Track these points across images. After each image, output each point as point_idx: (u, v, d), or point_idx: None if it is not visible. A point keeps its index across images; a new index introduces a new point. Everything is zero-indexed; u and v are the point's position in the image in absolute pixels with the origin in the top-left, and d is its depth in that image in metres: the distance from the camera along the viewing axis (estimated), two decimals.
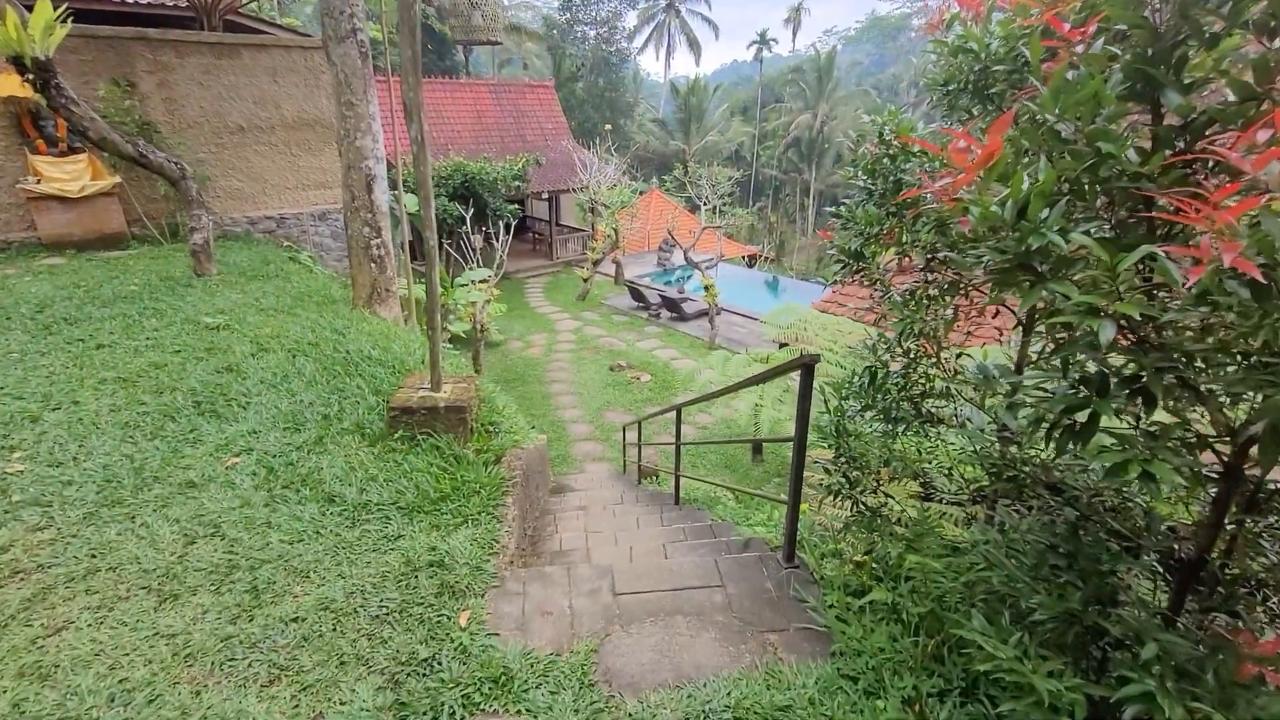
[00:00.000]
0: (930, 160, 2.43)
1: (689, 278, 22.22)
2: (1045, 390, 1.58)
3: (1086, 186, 1.45)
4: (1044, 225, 1.32)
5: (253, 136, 9.08)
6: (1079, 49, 1.47)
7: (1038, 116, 1.44)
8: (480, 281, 13.01)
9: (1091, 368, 1.47)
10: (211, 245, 6.77)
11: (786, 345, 5.99)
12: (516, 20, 38.48)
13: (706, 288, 15.19)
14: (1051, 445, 1.55)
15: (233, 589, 2.48)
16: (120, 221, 8.08)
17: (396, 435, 3.60)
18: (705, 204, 15.53)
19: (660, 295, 17.58)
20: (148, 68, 8.17)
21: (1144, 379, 1.34)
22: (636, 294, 17.85)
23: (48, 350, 4.52)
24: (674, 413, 5.45)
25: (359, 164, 5.88)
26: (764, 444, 11.00)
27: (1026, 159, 1.49)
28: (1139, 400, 1.39)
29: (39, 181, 7.53)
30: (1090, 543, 1.80)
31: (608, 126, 24.12)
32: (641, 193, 25.26)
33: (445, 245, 13.24)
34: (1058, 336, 1.73)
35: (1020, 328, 2.73)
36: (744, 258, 26.09)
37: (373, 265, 6.13)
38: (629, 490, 7.28)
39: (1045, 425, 1.57)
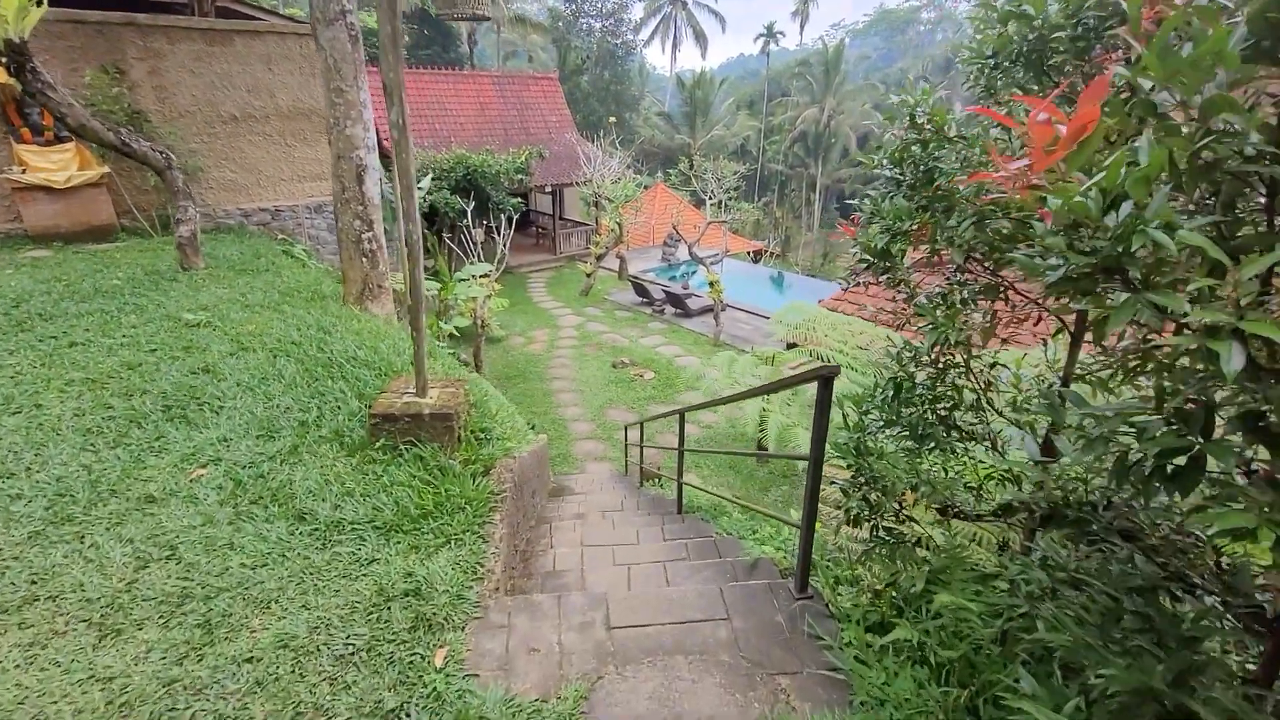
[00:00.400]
0: (969, 145, 2.13)
1: (693, 273, 21.91)
2: (1106, 419, 1.30)
3: (1187, 172, 1.16)
4: (1145, 220, 1.04)
5: (246, 126, 8.80)
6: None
7: (1133, 84, 1.15)
8: (481, 276, 12.74)
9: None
10: (198, 238, 6.51)
11: (795, 345, 5.69)
12: (521, 12, 38.04)
13: (711, 284, 14.89)
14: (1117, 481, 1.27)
15: (183, 622, 2.22)
16: (109, 213, 7.83)
17: (378, 444, 3.34)
18: (710, 198, 15.20)
19: (664, 291, 17.28)
20: (138, 54, 7.90)
21: (1269, 418, 1.06)
22: (640, 289, 17.56)
23: (17, 348, 4.27)
24: (677, 414, 5.19)
25: (349, 154, 5.60)
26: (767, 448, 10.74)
27: (1114, 139, 1.20)
28: (1256, 444, 1.11)
29: (24, 171, 7.27)
30: (1160, 592, 1.52)
31: (612, 119, 23.76)
32: (646, 187, 24.92)
33: (446, 239, 12.98)
34: (1130, 359, 1.44)
35: (1064, 334, 2.43)
36: (749, 253, 25.73)
37: (364, 260, 5.86)
38: (630, 494, 7.02)
39: (1124, 463, 1.30)
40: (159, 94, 8.13)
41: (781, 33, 48.65)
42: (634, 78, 41.31)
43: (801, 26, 51.52)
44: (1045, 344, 2.72)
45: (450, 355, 6.28)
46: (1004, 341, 2.96)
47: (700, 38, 45.59)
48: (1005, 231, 2.01)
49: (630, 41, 39.69)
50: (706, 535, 4.19)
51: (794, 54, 60.67)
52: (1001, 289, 2.22)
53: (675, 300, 16.84)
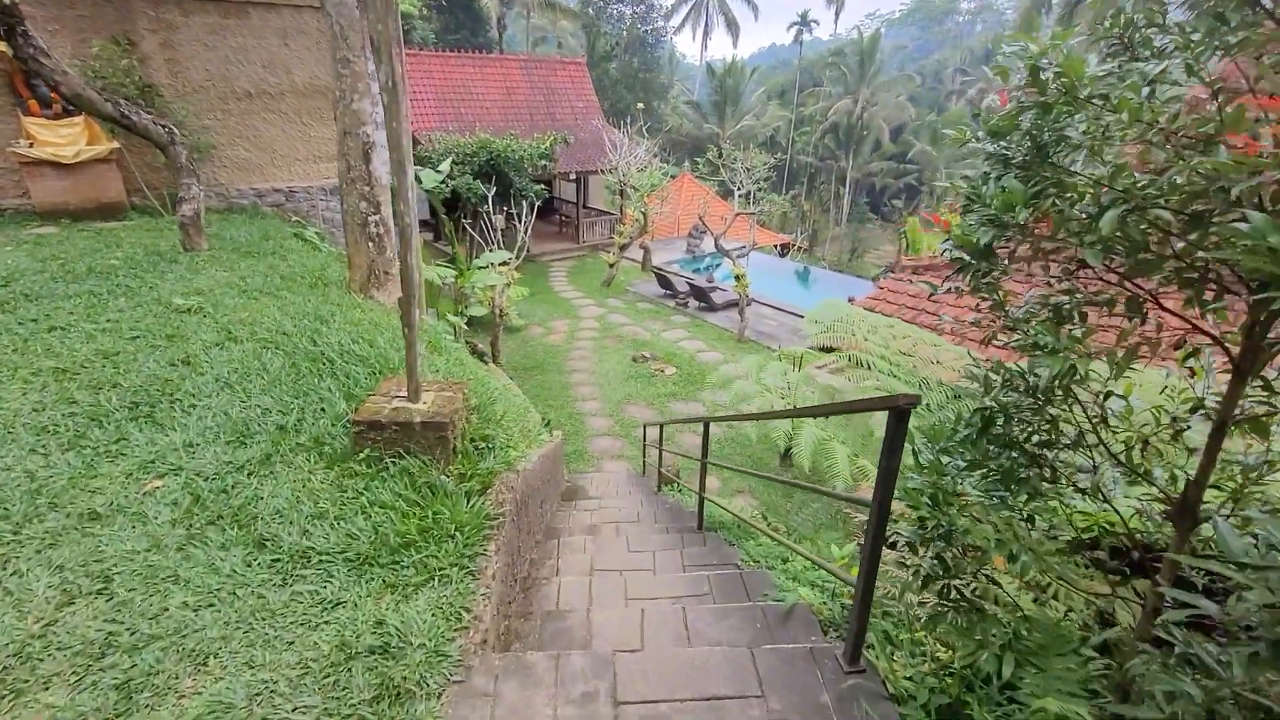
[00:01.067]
0: (1113, 108, 1.59)
1: (717, 266, 21.29)
2: None
3: None
4: None
5: (261, 103, 8.46)
6: None
7: None
8: (500, 264, 12.34)
9: None
10: (202, 217, 6.18)
11: (833, 350, 5.16)
12: None
13: (737, 277, 14.30)
14: None
15: (98, 682, 1.82)
16: (119, 190, 7.55)
17: (362, 455, 2.91)
18: (739, 189, 14.58)
19: (688, 284, 16.74)
20: (149, 25, 7.58)
21: None
22: (664, 281, 17.03)
23: None
24: (698, 416, 4.72)
25: (356, 130, 5.18)
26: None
27: None
28: None
29: (31, 145, 7.01)
30: None
31: (640, 105, 23.14)
32: (673, 176, 24.30)
33: (465, 225, 12.59)
34: None
35: (1215, 360, 1.89)
36: (776, 247, 25.00)
37: (370, 245, 5.46)
38: (647, 500, 6.57)
39: None
40: (171, 67, 7.81)
41: (816, 21, 47.32)
42: (663, 65, 40.50)
43: (836, 15, 50.05)
44: (1175, 367, 2.18)
45: (459, 349, 5.86)
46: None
47: (732, 25, 44.51)
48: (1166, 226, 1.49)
49: (661, 28, 38.87)
50: (730, 563, 3.71)
51: (827, 44, 59.13)
52: (1144, 301, 1.69)
53: (699, 293, 16.30)
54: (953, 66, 54.63)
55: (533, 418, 8.53)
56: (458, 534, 2.62)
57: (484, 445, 3.45)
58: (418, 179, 9.50)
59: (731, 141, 36.53)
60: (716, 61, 45.11)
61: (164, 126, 5.84)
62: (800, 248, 23.96)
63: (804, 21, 46.91)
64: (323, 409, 3.24)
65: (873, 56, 40.67)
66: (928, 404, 4.99)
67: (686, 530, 4.67)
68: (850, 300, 14.96)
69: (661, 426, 6.98)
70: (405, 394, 3.09)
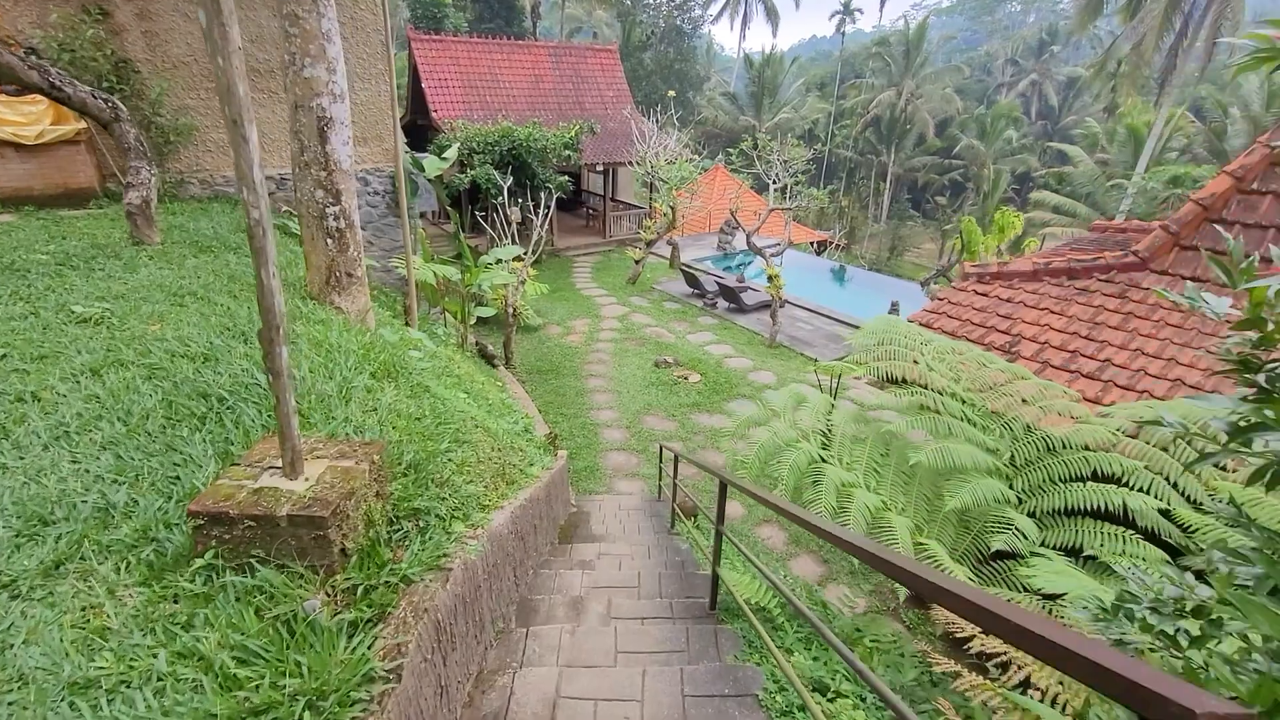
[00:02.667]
0: None
1: (748, 264, 20.04)
2: None
3: None
4: None
5: (250, 81, 7.60)
6: None
7: None
8: (514, 260, 11.40)
9: None
10: (154, 206, 5.34)
11: (907, 385, 3.97)
12: None
13: (771, 278, 13.10)
14: None
15: None
16: (89, 175, 6.81)
17: (203, 559, 1.95)
18: (775, 183, 13.35)
19: (717, 283, 15.57)
20: None
21: None
22: (692, 280, 15.91)
23: None
24: (715, 467, 3.67)
25: (308, 102, 4.24)
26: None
27: None
28: None
29: None
30: None
31: (671, 92, 21.93)
32: (705, 169, 23.06)
33: (480, 218, 11.68)
34: None
35: None
36: (812, 244, 23.57)
37: (329, 241, 4.52)
38: (656, 547, 5.54)
39: None
40: (149, 41, 7.02)
41: (860, 10, 45.13)
42: (699, 56, 39.05)
43: (881, 5, 47.73)
44: None
45: (433, 365, 4.89)
46: None
47: (772, 14, 42.73)
48: None
49: (698, 18, 37.41)
50: (748, 694, 2.66)
51: (870, 35, 56.66)
52: None
53: (729, 294, 15.13)
54: (1003, 58, 51.68)
55: (536, 436, 7.59)
56: (322, 702, 1.64)
57: (411, 526, 2.45)
58: (420, 166, 8.59)
59: (768, 134, 34.98)
60: (755, 53, 43.41)
61: (105, 100, 5.00)
62: (838, 245, 22.48)
63: (847, 10, 44.81)
64: (174, 479, 2.28)
65: (919, 47, 38.51)
66: (1015, 457, 3.84)
67: (695, 618, 3.62)
68: (892, 306, 13.60)
69: (677, 458, 5.93)
70: (280, 465, 2.11)
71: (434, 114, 17.50)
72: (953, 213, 40.57)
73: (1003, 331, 5.83)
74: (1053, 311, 5.91)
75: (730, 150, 13.72)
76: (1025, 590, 3.06)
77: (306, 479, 2.10)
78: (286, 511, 1.94)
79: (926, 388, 4.09)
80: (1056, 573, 2.69)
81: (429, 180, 8.71)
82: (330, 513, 1.96)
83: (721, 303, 15.54)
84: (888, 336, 4.37)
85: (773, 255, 13.41)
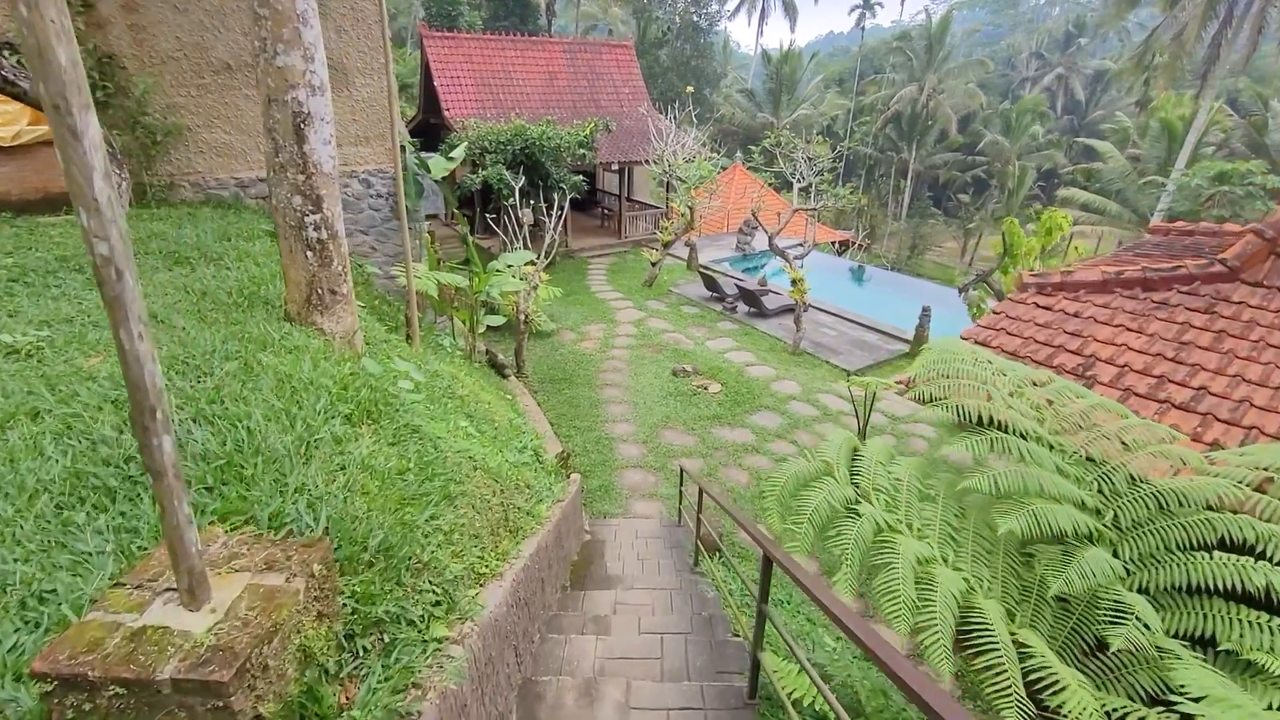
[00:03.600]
0: None
1: (765, 265, 19.29)
2: None
3: None
4: None
5: (243, 77, 7.11)
6: None
7: None
8: (527, 264, 10.81)
9: None
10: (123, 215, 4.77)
11: (984, 429, 3.25)
12: None
13: (794, 282, 12.38)
14: None
15: None
16: None
17: None
18: (799, 182, 12.62)
19: (737, 286, 14.87)
20: None
21: None
22: (710, 282, 15.22)
23: None
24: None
25: (282, 95, 3.65)
26: None
27: None
28: None
29: None
30: None
31: (689, 88, 21.18)
32: (724, 168, 22.30)
33: (489, 220, 11.09)
34: None
35: None
36: (834, 244, 22.74)
37: (309, 254, 3.93)
38: (678, 589, 4.91)
39: None
40: (135, 34, 6.51)
41: (879, 3, 43.96)
42: (716, 53, 38.19)
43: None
44: None
45: (418, 407, 4.29)
46: None
47: (790, 9, 41.73)
48: None
49: (714, 13, 36.54)
50: None
51: (889, 31, 55.33)
52: None
53: (749, 297, 14.42)
54: (1027, 51, 50.12)
55: (547, 458, 6.99)
56: None
57: (372, 642, 1.84)
58: (425, 167, 8.02)
59: (792, 130, 34.06)
60: (773, 49, 42.43)
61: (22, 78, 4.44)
62: (860, 245, 21.64)
63: (867, 4, 43.65)
64: (49, 594, 1.68)
65: (942, 41, 37.31)
66: (1119, 518, 3.15)
67: (731, 709, 2.98)
68: (923, 311, 12.77)
69: (701, 493, 5.29)
70: (177, 592, 1.50)
71: (446, 113, 16.96)
72: (975, 211, 39.35)
73: (1073, 352, 5.11)
74: (1129, 329, 5.17)
75: (753, 147, 12.96)
76: (1160, 703, 2.39)
77: (212, 609, 1.49)
78: (171, 672, 1.33)
79: (1004, 427, 3.40)
80: (1222, 699, 2.01)
81: (436, 182, 8.13)
82: (235, 671, 1.35)
83: (741, 307, 14.84)
84: (951, 366, 3.68)
85: (797, 258, 12.69)
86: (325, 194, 3.91)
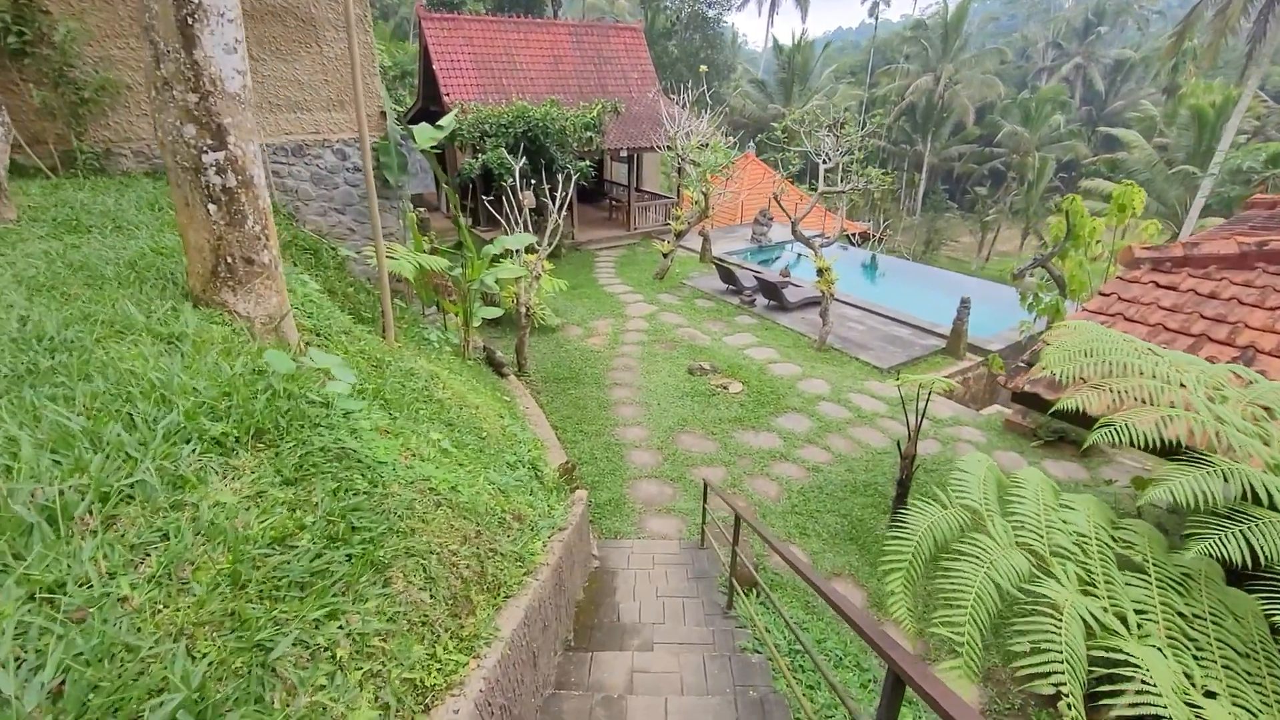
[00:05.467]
0: None
1: (780, 256, 18.10)
2: None
3: None
4: None
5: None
6: None
7: None
8: (527, 251, 9.70)
9: None
10: (3, 178, 3.71)
11: (1178, 455, 2.12)
12: None
13: (821, 271, 11.20)
14: None
15: None
16: None
17: None
18: (824, 162, 11.43)
19: (756, 277, 13.70)
20: None
21: None
22: (727, 274, 14.06)
23: None
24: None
25: None
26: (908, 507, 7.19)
27: None
28: None
29: None
30: None
31: (703, 68, 20.00)
32: (736, 158, 21.07)
33: (488, 204, 10.01)
34: None
35: None
36: (852, 235, 21.50)
37: (211, 209, 2.82)
38: (712, 646, 3.78)
39: None
40: None
41: None
42: (725, 42, 36.92)
43: None
44: None
45: (303, 460, 3.18)
46: None
47: (800, 1, 40.38)
48: None
49: (724, 1, 35.25)
50: None
51: (897, 26, 53.84)
52: None
53: (769, 290, 13.24)
54: (1043, 41, 48.48)
55: (548, 471, 5.88)
56: None
57: None
58: (410, 136, 6.92)
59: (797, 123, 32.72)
60: (783, 42, 41.07)
61: None
62: (880, 238, 20.39)
63: None
64: None
65: (959, 29, 35.90)
66: None
67: None
68: (962, 303, 11.54)
69: (738, 520, 4.15)
70: None
71: (446, 98, 15.87)
72: (992, 204, 37.89)
73: (1222, 342, 3.92)
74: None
75: (775, 124, 11.85)
76: None
77: None
78: None
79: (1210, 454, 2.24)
80: None
81: (424, 154, 7.03)
82: None
83: (760, 300, 13.67)
84: (1105, 358, 2.52)
85: (823, 245, 11.50)
86: (231, 123, 2.80)
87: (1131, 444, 2.25)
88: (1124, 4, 43.48)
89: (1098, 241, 8.54)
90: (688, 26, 33.52)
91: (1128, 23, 46.58)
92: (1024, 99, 36.99)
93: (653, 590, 5.15)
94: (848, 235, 21.93)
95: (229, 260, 2.92)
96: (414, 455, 2.95)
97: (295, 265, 5.74)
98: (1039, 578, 1.77)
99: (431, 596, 2.11)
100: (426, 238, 10.08)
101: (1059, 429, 8.81)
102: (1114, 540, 2.02)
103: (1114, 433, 2.19)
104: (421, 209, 11.58)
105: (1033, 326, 9.16)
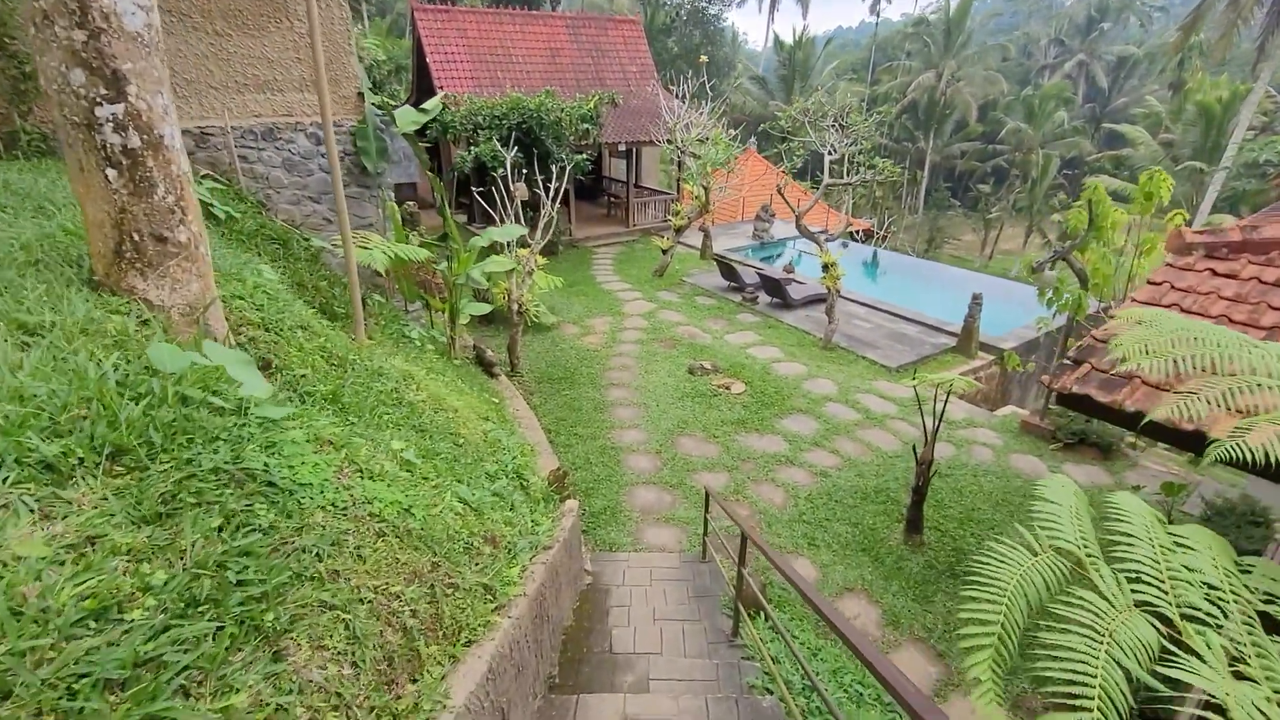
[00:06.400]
0: None
1: (780, 255, 17.58)
2: None
3: None
4: None
5: None
6: None
7: None
8: (519, 245, 9.21)
9: None
10: None
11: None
12: None
13: (826, 267, 10.70)
14: None
15: None
16: None
17: None
18: (830, 153, 10.92)
19: (759, 274, 13.20)
20: None
21: None
22: (728, 271, 13.55)
23: None
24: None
25: None
26: (923, 515, 6.65)
27: None
28: None
29: None
30: None
31: (703, 57, 19.48)
32: (737, 154, 20.54)
33: (477, 194, 9.51)
34: None
35: None
36: (856, 232, 20.98)
37: (109, 174, 2.32)
38: (716, 676, 3.28)
39: None
40: None
41: None
42: (726, 39, 36.40)
43: None
44: None
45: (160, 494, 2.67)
46: None
47: None
48: None
49: None
50: None
51: (895, 26, 53.28)
52: None
53: (772, 287, 12.74)
54: (1045, 39, 47.92)
55: (535, 482, 5.37)
56: None
57: None
58: (390, 118, 6.43)
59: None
60: (783, 39, 40.50)
61: None
62: (883, 236, 19.88)
63: None
64: None
65: (961, 25, 35.36)
66: None
67: None
68: (974, 299, 11.04)
69: (744, 539, 3.65)
70: None
71: (439, 91, 15.37)
72: (995, 202, 37.35)
73: None
74: None
75: (779, 113, 11.35)
76: None
77: None
78: None
79: None
80: None
81: (407, 140, 6.53)
82: None
83: (763, 297, 13.16)
84: (1208, 352, 2.01)
85: (828, 239, 10.99)
86: (131, 70, 2.30)
87: (1255, 467, 1.74)
88: (1126, 0, 42.95)
89: (1121, 233, 8.03)
90: (688, 23, 33.00)
91: (1130, 19, 46.03)
92: (1027, 95, 36.44)
93: (649, 612, 4.65)
94: (851, 233, 21.39)
95: (135, 238, 2.41)
96: (360, 472, 2.45)
97: (259, 255, 5.24)
98: (1177, 655, 1.27)
99: (355, 664, 1.61)
100: (416, 233, 9.59)
101: (1079, 430, 8.30)
102: (1248, 589, 1.51)
103: (1239, 451, 1.68)
104: (411, 203, 11.07)
105: (1051, 323, 8.65)
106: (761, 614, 4.37)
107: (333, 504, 2.02)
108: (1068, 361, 3.53)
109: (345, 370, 3.81)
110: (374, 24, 27.89)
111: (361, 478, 2.42)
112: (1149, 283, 4.05)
